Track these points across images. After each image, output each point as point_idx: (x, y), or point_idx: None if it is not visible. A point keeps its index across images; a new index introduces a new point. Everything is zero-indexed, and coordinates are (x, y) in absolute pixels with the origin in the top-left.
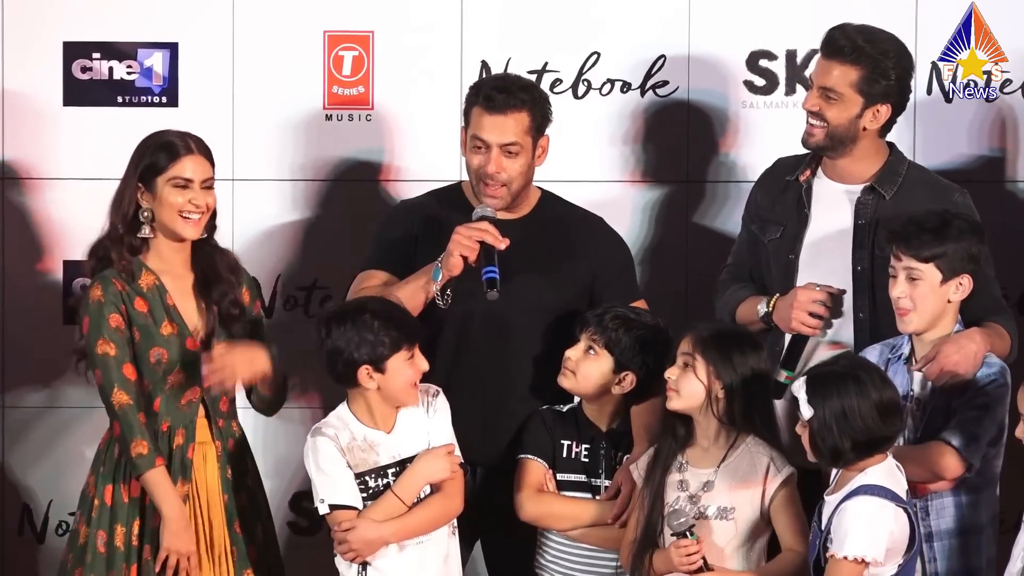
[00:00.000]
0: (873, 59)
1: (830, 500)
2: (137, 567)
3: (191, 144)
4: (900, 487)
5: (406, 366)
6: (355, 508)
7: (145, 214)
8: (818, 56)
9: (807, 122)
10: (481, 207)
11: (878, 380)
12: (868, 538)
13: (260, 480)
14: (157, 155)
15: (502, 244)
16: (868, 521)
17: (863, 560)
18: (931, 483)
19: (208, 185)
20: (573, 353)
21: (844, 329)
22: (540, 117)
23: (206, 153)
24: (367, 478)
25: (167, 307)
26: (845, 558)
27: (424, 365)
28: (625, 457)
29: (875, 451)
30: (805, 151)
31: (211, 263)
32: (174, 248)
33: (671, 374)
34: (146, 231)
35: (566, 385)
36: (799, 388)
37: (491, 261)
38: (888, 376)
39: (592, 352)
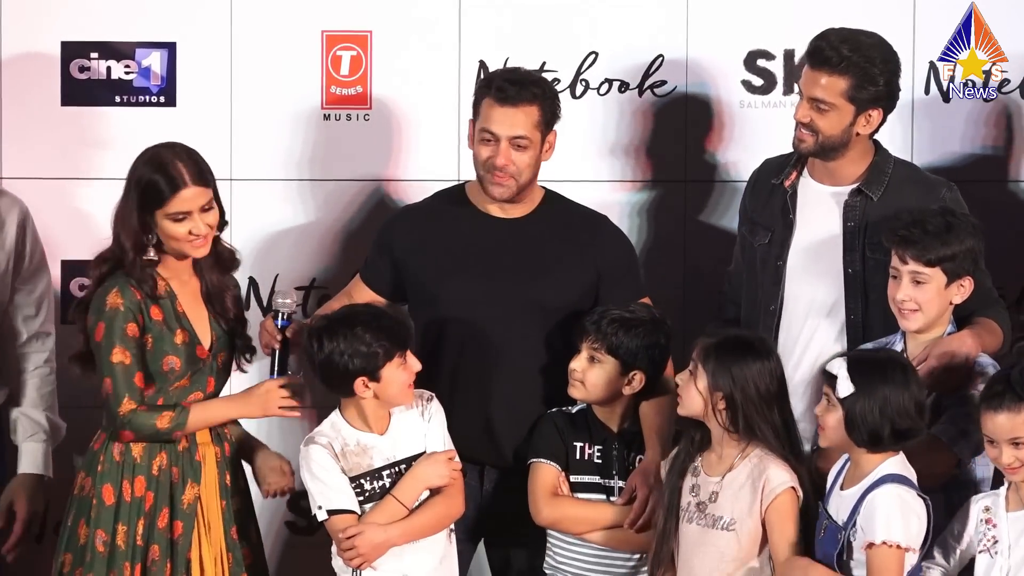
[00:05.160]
0: (861, 67)
1: (846, 494)
2: (142, 567)
3: (184, 175)
4: (914, 479)
5: (400, 371)
6: (353, 512)
7: (149, 237)
8: (804, 67)
9: (798, 128)
10: (282, 295)
11: (916, 377)
12: (904, 524)
13: (247, 481)
14: (152, 191)
15: (275, 344)
16: (900, 508)
17: (900, 546)
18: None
19: (208, 207)
20: (578, 364)
21: (836, 330)
22: (549, 112)
23: (201, 176)
24: (363, 481)
25: (178, 315)
26: (885, 543)
27: (416, 365)
28: (638, 458)
29: (902, 443)
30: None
31: (211, 269)
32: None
33: (680, 379)
34: (151, 253)
35: (576, 395)
36: (838, 367)
37: (276, 368)
38: None
39: (596, 360)
